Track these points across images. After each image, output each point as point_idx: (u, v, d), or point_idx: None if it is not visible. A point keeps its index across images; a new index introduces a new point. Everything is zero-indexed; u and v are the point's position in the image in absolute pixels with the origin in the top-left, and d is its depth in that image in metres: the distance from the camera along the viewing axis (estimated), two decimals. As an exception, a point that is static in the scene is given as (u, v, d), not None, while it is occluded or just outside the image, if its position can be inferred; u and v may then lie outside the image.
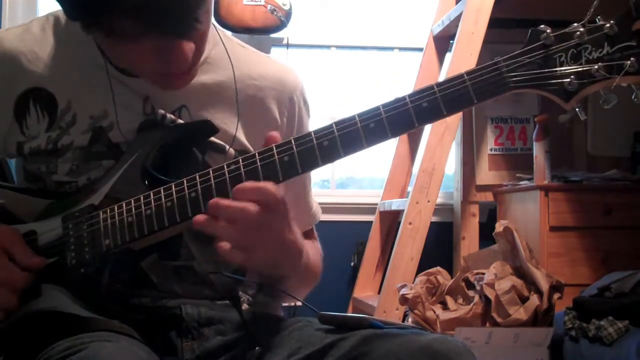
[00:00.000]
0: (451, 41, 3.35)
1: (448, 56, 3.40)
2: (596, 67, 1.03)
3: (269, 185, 1.09)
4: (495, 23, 3.17)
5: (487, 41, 3.11)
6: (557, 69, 1.05)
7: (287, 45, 3.74)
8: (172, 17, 1.09)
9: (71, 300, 1.14)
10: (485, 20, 3.09)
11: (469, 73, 1.06)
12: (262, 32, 3.51)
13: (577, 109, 1.07)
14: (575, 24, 1.05)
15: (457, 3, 3.36)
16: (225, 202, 1.08)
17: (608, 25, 1.03)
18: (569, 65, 1.04)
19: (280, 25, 3.52)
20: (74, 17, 1.14)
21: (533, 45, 1.06)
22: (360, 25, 4.04)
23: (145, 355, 1.03)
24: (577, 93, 1.05)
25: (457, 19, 3.23)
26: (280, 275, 1.22)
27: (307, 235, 1.46)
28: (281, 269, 1.20)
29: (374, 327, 1.11)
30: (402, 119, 1.08)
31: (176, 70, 1.19)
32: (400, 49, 4.04)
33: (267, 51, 3.73)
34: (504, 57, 1.06)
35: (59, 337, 1.03)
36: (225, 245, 1.08)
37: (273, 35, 3.63)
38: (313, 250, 1.39)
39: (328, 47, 4.01)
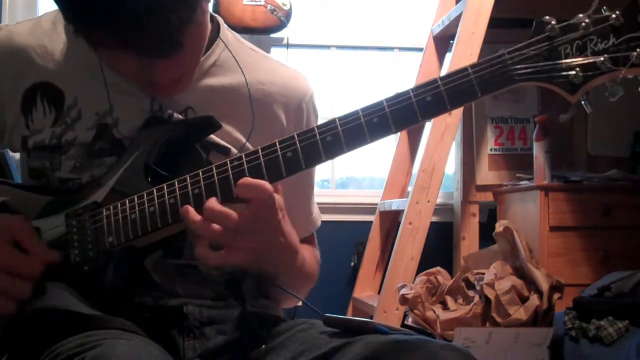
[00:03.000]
0: (451, 41, 3.35)
1: (448, 56, 3.40)
2: (602, 58, 1.01)
3: (266, 184, 1.09)
4: (495, 23, 3.17)
5: (487, 41, 3.11)
6: (562, 61, 1.04)
7: (287, 45, 3.74)
8: (149, 39, 1.09)
9: (75, 297, 1.14)
10: (485, 20, 3.09)
11: (473, 66, 1.05)
12: (262, 32, 3.51)
13: (582, 102, 1.05)
14: (581, 15, 1.04)
15: (457, 3, 3.36)
16: (218, 207, 1.09)
17: (614, 16, 1.01)
18: (575, 57, 1.03)
19: (280, 25, 3.52)
20: (65, 19, 1.15)
21: (538, 37, 1.05)
22: (360, 25, 4.04)
23: (159, 354, 1.02)
24: (582, 85, 1.03)
25: (457, 19, 3.23)
26: (272, 273, 1.23)
27: (307, 242, 1.46)
28: (273, 267, 1.21)
29: (379, 332, 1.10)
30: (405, 113, 1.07)
31: (160, 82, 1.20)
32: (400, 49, 4.04)
33: (267, 51, 3.72)
34: (509, 49, 1.05)
35: (64, 334, 1.02)
36: (202, 248, 1.11)
37: (273, 35, 3.63)
38: (309, 255, 1.38)
39: (328, 47, 4.01)
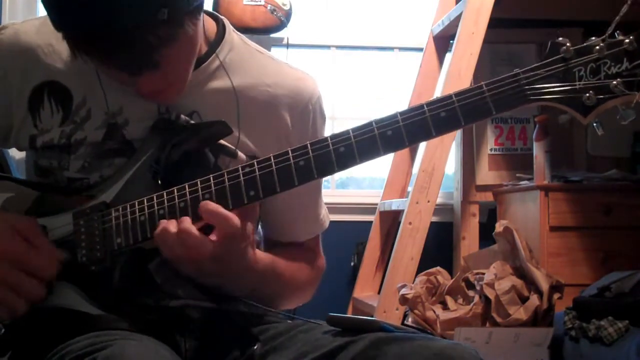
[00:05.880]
0: (451, 41, 3.35)
1: (448, 56, 3.39)
2: (615, 82, 1.03)
3: (234, 218, 1.10)
4: (495, 23, 3.17)
5: (487, 41, 3.11)
6: (576, 83, 1.05)
7: (287, 45, 3.73)
8: (124, 56, 1.10)
9: (81, 297, 1.14)
10: (485, 20, 3.09)
11: (488, 84, 1.06)
12: (262, 32, 3.50)
13: (594, 124, 1.06)
14: (594, 38, 1.05)
15: (457, 3, 3.35)
16: (195, 233, 1.11)
17: (627, 40, 1.02)
18: (588, 80, 1.04)
19: (280, 25, 3.52)
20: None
21: (553, 59, 1.06)
22: (360, 25, 4.03)
23: (169, 355, 1.03)
24: (595, 108, 1.04)
25: (457, 19, 3.23)
26: (232, 288, 1.23)
27: (310, 244, 1.46)
28: (232, 285, 1.22)
29: (384, 331, 1.11)
30: (419, 127, 1.08)
31: (144, 92, 1.21)
32: (400, 49, 4.03)
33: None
34: (523, 69, 1.06)
35: (71, 334, 1.03)
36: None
37: (273, 35, 3.62)
38: (295, 268, 1.38)
39: (328, 47, 4.00)
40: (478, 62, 3.06)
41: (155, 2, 1.06)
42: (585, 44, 1.05)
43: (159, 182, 1.21)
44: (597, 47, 1.04)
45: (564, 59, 1.06)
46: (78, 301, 1.12)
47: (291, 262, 1.36)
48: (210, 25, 1.35)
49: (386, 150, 1.10)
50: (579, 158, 3.70)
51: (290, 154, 1.12)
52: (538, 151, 3.20)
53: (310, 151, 1.12)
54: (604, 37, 1.04)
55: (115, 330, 1.05)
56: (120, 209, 1.19)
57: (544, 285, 2.72)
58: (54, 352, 1.01)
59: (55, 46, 1.31)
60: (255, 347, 1.18)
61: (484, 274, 2.86)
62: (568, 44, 1.05)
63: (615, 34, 1.03)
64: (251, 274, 1.21)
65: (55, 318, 1.09)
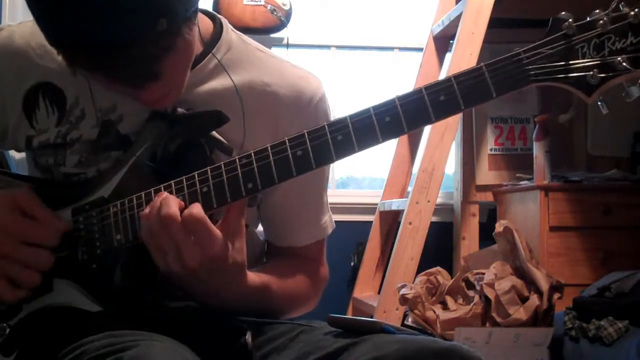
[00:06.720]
0: (451, 41, 3.35)
1: (448, 56, 3.40)
2: (620, 59, 0.99)
3: (218, 239, 1.08)
4: (495, 23, 3.18)
5: (487, 41, 3.11)
6: (579, 60, 1.01)
7: (287, 45, 3.73)
8: (124, 70, 1.08)
9: (84, 296, 1.13)
10: (485, 20, 3.10)
11: (488, 65, 1.03)
12: (262, 32, 3.51)
13: (599, 103, 1.03)
14: (598, 11, 1.01)
15: (457, 3, 3.36)
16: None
17: (632, 13, 0.98)
18: (592, 57, 1.00)
19: (280, 25, 3.52)
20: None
21: (554, 36, 1.02)
22: (360, 25, 4.05)
23: (191, 357, 1.01)
24: (599, 86, 1.00)
25: (457, 19, 3.24)
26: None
27: (311, 252, 1.43)
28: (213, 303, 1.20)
29: (385, 332, 1.09)
30: (418, 112, 1.05)
31: (144, 101, 1.18)
32: (400, 49, 4.04)
33: (267, 51, 3.72)
34: (525, 48, 1.03)
35: (76, 333, 1.02)
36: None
37: (273, 35, 3.63)
38: (292, 286, 1.35)
39: (328, 47, 4.02)
40: (478, 62, 3.04)
41: (154, 13, 1.03)
42: (588, 19, 1.01)
43: (156, 174, 1.19)
44: (601, 22, 1.00)
45: (566, 35, 1.02)
46: (81, 300, 1.11)
47: (288, 279, 1.33)
48: (206, 25, 1.33)
49: (385, 137, 1.07)
50: (579, 158, 3.70)
51: (288, 144, 1.09)
52: (538, 151, 3.20)
53: (307, 140, 1.09)
54: (607, 10, 1.00)
55: (124, 330, 1.03)
56: (119, 204, 1.17)
57: (544, 285, 2.72)
58: (66, 351, 1.00)
59: (47, 47, 1.27)
60: (246, 337, 1.15)
61: (484, 274, 2.86)
62: (570, 20, 1.01)
63: (620, 6, 0.99)
64: (237, 296, 1.19)
65: (58, 317, 1.08)
